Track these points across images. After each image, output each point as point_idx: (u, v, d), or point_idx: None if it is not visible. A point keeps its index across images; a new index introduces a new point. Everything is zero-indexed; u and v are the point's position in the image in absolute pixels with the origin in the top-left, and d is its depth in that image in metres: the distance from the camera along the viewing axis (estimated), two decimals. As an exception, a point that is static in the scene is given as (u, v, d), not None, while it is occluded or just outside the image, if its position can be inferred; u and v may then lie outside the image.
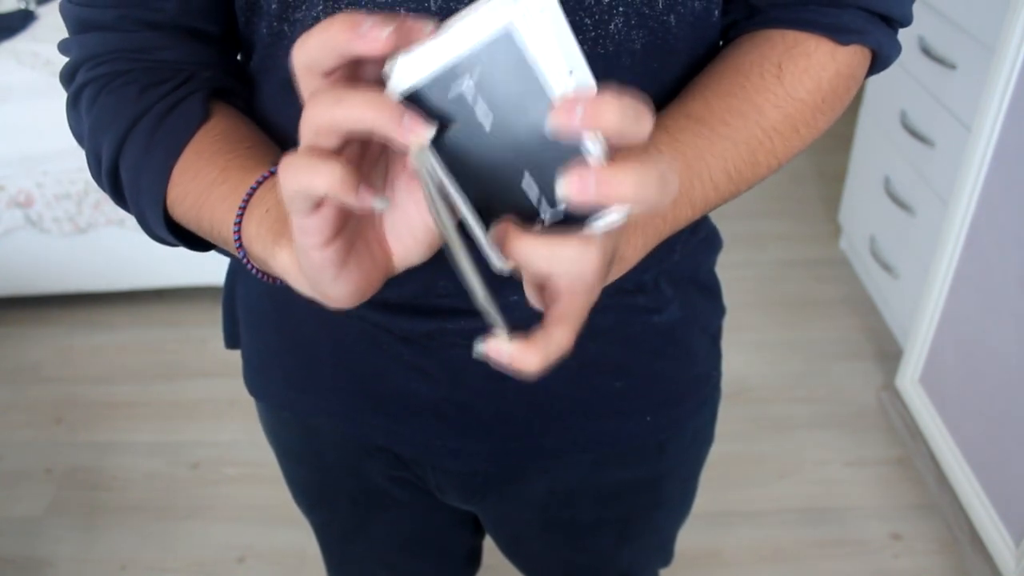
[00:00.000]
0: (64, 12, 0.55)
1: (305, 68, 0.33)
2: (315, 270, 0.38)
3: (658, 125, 0.49)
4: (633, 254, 0.47)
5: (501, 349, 0.38)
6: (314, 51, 0.33)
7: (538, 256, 0.35)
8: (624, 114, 0.31)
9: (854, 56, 0.54)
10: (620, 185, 0.32)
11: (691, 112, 0.50)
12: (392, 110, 0.32)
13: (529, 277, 0.39)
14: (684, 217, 0.50)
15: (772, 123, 0.51)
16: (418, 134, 0.32)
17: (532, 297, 0.40)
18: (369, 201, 0.33)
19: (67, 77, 0.57)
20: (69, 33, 0.56)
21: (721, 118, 0.50)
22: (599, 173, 0.32)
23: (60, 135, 1.96)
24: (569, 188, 0.32)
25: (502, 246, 0.36)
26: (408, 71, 0.33)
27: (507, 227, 0.36)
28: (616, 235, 0.37)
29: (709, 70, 0.53)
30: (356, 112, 0.32)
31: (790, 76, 0.51)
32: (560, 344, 0.38)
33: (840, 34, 0.52)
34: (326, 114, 0.32)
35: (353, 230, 0.38)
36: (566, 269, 0.35)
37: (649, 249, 0.48)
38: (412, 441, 0.69)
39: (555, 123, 0.31)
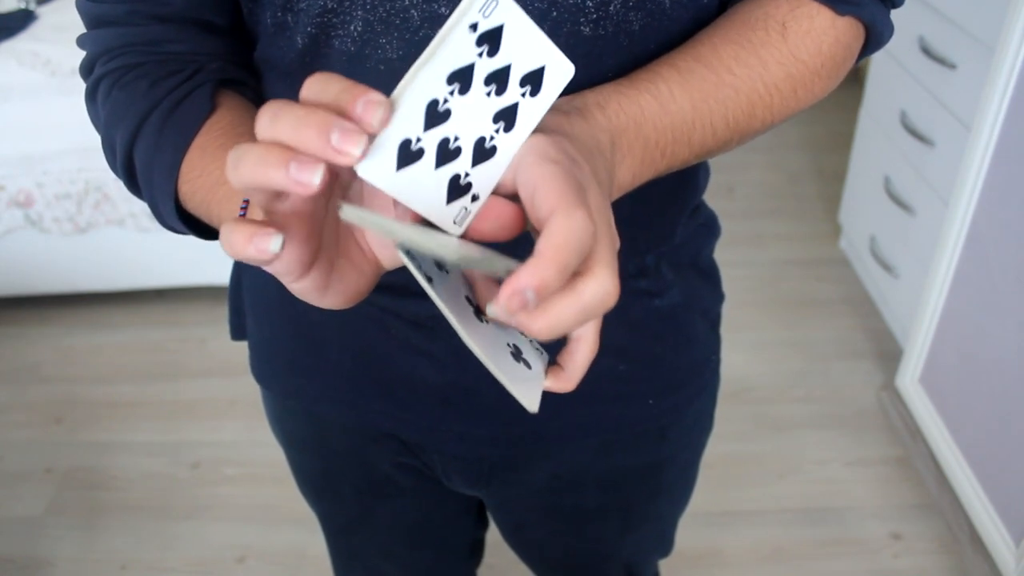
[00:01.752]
0: (79, 8, 0.57)
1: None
2: (298, 294, 0.39)
3: (668, 63, 0.50)
4: (631, 181, 0.47)
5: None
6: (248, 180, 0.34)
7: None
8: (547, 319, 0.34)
9: (850, 27, 0.55)
10: (535, 324, 0.34)
11: (700, 56, 0.51)
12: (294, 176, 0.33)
13: None
14: (681, 157, 0.50)
15: (774, 79, 0.52)
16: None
17: None
18: (266, 248, 0.34)
19: (85, 70, 0.59)
20: (85, 28, 0.58)
21: (727, 66, 0.51)
22: (525, 316, 0.34)
23: (60, 135, 1.96)
24: (497, 312, 0.34)
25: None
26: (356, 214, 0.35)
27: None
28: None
29: (717, 22, 0.54)
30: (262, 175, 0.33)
31: (794, 35, 0.53)
32: (587, 360, 0.41)
33: (838, 3, 0.53)
34: (238, 178, 0.34)
35: (330, 255, 0.39)
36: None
37: (642, 180, 0.49)
38: (418, 426, 0.70)
39: (495, 312, 0.34)
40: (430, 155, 0.36)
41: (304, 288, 0.38)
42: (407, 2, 0.49)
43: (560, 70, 0.38)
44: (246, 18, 0.56)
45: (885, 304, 2.09)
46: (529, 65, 0.37)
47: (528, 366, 0.41)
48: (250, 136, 0.53)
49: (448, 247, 0.33)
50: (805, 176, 2.71)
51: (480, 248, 0.34)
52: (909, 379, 1.75)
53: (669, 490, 0.80)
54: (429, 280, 0.37)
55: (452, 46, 0.34)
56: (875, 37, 0.57)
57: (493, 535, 0.93)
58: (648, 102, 0.47)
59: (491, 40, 0.35)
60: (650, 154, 0.48)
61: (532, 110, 0.38)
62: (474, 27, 0.34)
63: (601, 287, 0.34)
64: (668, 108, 0.48)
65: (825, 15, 0.53)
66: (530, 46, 0.36)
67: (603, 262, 0.35)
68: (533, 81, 0.37)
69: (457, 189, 0.38)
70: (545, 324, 0.34)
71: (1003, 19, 1.40)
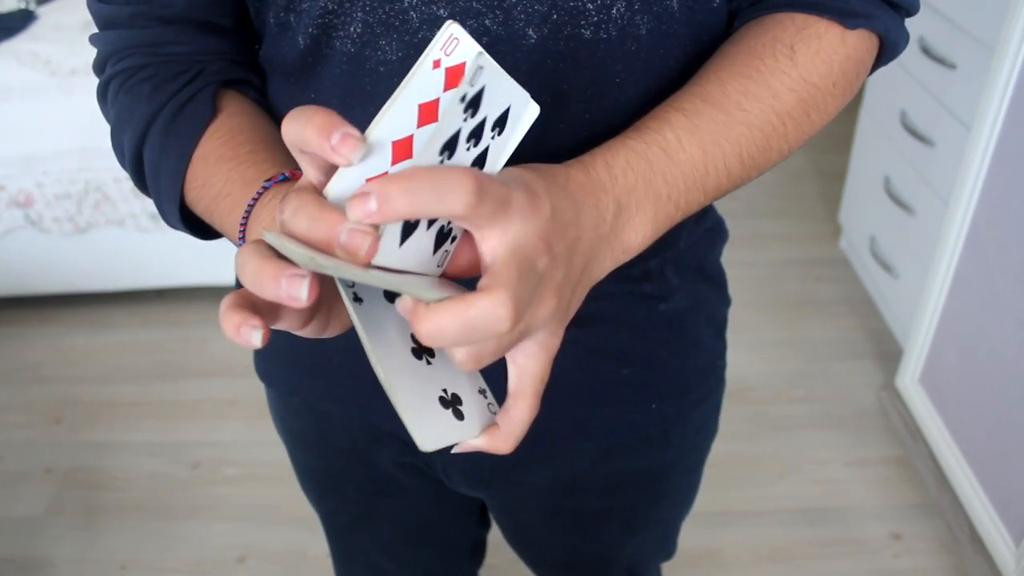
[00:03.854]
0: (90, 8, 0.58)
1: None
2: (301, 335, 0.41)
3: (674, 106, 0.49)
4: (641, 242, 0.46)
5: (471, 444, 0.40)
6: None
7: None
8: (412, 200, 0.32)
9: (862, 41, 0.54)
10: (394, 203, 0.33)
11: (707, 95, 0.50)
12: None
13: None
14: (696, 203, 0.49)
15: (786, 107, 0.51)
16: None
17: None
18: (249, 340, 0.36)
19: (98, 68, 0.60)
20: (97, 28, 0.59)
21: (737, 102, 0.49)
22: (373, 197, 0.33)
23: (60, 135, 1.96)
24: (354, 213, 0.33)
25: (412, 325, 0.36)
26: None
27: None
28: (528, 287, 0.37)
29: (723, 52, 0.53)
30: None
31: (803, 58, 0.51)
32: (524, 418, 0.40)
33: (848, 18, 0.52)
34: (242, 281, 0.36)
35: (328, 301, 0.41)
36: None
37: (659, 235, 0.48)
38: None
39: (352, 214, 0.33)
40: (424, 221, 0.37)
41: (305, 333, 0.40)
42: (406, 4, 0.49)
43: (526, 110, 0.39)
44: (253, 18, 0.57)
45: (885, 304, 2.09)
46: (499, 110, 0.37)
47: (459, 416, 0.40)
48: (248, 144, 0.54)
49: (363, 276, 0.34)
50: (805, 176, 2.71)
51: (394, 276, 0.35)
52: (909, 379, 1.75)
53: (672, 494, 0.80)
54: (358, 301, 0.38)
55: (447, 122, 0.34)
56: (890, 47, 0.56)
57: (494, 535, 0.94)
58: (657, 156, 0.46)
59: (474, 104, 0.35)
60: (663, 207, 0.47)
61: (500, 149, 0.39)
62: (463, 98, 0.34)
63: (491, 307, 0.34)
64: (678, 159, 0.47)
65: (834, 32, 0.52)
66: (500, 94, 0.37)
67: (505, 286, 0.35)
68: (501, 123, 0.38)
69: (442, 238, 0.39)
70: (426, 329, 0.34)
71: (1003, 19, 1.40)
